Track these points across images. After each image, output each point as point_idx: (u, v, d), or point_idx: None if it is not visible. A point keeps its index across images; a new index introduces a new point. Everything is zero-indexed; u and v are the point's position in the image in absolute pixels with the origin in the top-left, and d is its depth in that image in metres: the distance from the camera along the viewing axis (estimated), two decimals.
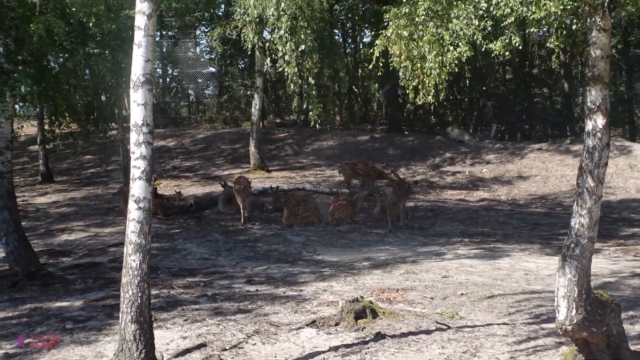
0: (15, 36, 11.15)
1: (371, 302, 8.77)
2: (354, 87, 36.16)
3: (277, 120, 35.61)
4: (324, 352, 7.43)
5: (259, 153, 24.16)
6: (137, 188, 6.77)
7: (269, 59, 22.78)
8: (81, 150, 28.50)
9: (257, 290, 10.19)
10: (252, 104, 24.89)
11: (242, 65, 37.85)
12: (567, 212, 18.34)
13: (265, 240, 14.39)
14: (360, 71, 36.82)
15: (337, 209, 16.08)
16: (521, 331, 8.05)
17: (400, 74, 7.22)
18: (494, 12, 6.21)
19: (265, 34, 22.20)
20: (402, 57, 6.83)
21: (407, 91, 7.43)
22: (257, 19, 21.45)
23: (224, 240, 14.37)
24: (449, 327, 8.17)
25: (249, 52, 27.02)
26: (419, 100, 7.36)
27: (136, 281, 6.73)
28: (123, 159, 19.50)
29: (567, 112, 33.59)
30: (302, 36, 7.28)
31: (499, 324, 8.33)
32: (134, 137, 6.79)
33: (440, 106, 36.33)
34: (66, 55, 11.23)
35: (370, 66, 7.93)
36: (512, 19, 6.24)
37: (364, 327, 8.16)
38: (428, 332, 8.00)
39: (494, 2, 6.11)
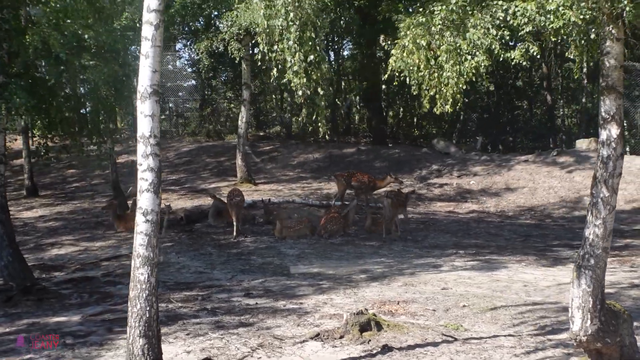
0: (8, 49, 11.04)
1: (374, 315, 8.70)
2: (337, 100, 36.15)
3: (261, 133, 35.51)
4: None
5: (246, 166, 24.07)
6: (145, 200, 6.69)
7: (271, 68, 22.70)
8: (64, 164, 28.28)
9: (256, 303, 10.11)
10: (239, 117, 24.83)
11: (225, 78, 37.71)
12: (556, 223, 18.46)
13: (259, 253, 14.29)
14: (343, 84, 36.79)
15: (329, 222, 16.03)
16: (528, 342, 8.01)
17: (411, 81, 7.18)
18: (511, 22, 6.21)
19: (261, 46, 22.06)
20: (421, 67, 6.80)
21: (424, 100, 7.40)
22: (245, 32, 21.53)
23: (217, 254, 14.27)
24: (456, 339, 8.12)
25: (237, 64, 27.11)
26: (436, 109, 7.33)
27: (144, 295, 6.65)
28: (112, 172, 19.32)
29: (550, 124, 33.74)
30: (311, 46, 7.25)
31: (505, 336, 8.29)
32: (142, 149, 6.71)
33: (422, 118, 36.52)
34: (61, 67, 11.09)
35: (385, 77, 7.89)
36: (530, 28, 6.23)
37: (370, 340, 8.10)
38: (435, 344, 7.95)
39: (510, 11, 6.11)
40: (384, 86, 33.24)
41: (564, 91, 36.18)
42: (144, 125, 6.69)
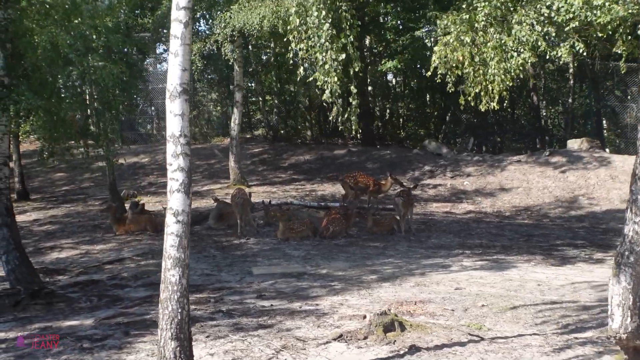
0: (13, 50, 10.88)
1: (396, 315, 8.63)
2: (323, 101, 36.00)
3: (247, 136, 35.34)
4: None
5: (239, 168, 23.93)
6: (176, 201, 6.59)
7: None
8: (52, 168, 27.99)
9: (271, 305, 10.00)
10: (232, 119, 24.70)
11: (210, 77, 37.37)
12: (554, 223, 18.50)
13: (264, 255, 14.17)
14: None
15: (331, 223, 15.94)
16: (555, 341, 7.97)
17: (451, 78, 7.10)
18: (555, 18, 6.15)
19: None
20: (466, 63, 6.73)
21: (469, 97, 7.32)
22: (238, 33, 21.39)
23: (221, 256, 14.13)
24: (482, 339, 8.06)
25: (224, 66, 27.05)
26: (482, 106, 7.27)
27: (176, 297, 6.53)
28: (109, 175, 19.10)
29: (538, 124, 33.79)
30: (344, 45, 7.15)
31: (530, 335, 8.25)
32: (171, 148, 6.62)
33: (409, 120, 36.52)
34: (70, 68, 10.95)
35: (429, 73, 7.82)
36: (576, 23, 6.17)
37: (395, 341, 8.02)
38: (461, 344, 7.89)
39: (554, 7, 6.05)
40: (370, 87, 33.20)
41: (546, 92, 36.14)
42: (174, 124, 6.59)
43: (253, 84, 34.82)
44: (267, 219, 17.33)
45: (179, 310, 6.52)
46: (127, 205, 18.50)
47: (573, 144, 26.24)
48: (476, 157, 26.63)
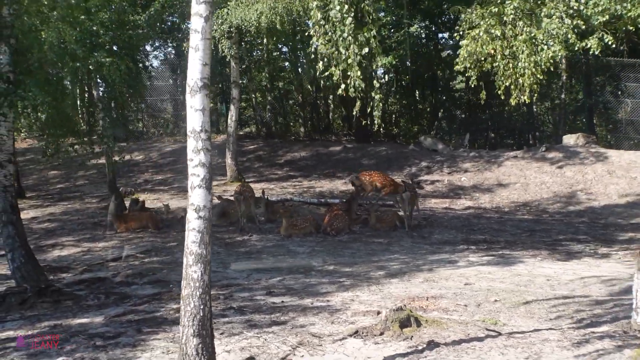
0: (15, 47, 10.77)
1: (411, 311, 8.59)
2: (321, 97, 35.95)
3: (240, 133, 35.21)
4: None
5: (236, 165, 23.88)
6: (197, 197, 6.54)
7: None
8: (46, 166, 27.84)
9: (282, 302, 9.95)
10: (228, 115, 24.67)
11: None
12: (554, 218, 18.53)
13: (269, 251, 14.12)
14: (322, 82, 36.52)
15: (334, 219, 15.91)
16: (572, 336, 7.94)
17: (474, 72, 7.07)
18: (584, 11, 6.12)
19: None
20: (498, 57, 6.69)
21: (498, 91, 7.28)
22: (235, 30, 21.33)
23: (225, 253, 14.08)
24: (499, 334, 8.03)
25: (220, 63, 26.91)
26: (512, 100, 7.23)
27: (198, 293, 6.48)
28: (109, 173, 18.99)
29: (531, 120, 33.84)
30: (367, 39, 7.09)
31: (546, 329, 8.22)
32: (192, 144, 6.55)
33: (401, 116, 36.47)
34: (77, 64, 10.86)
35: (456, 67, 7.79)
36: (606, 17, 6.14)
37: (412, 336, 7.98)
38: (479, 339, 7.85)
39: (583, 0, 6.02)
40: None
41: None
42: (195, 119, 6.53)
43: (245, 81, 34.71)
44: (269, 215, 17.29)
45: (201, 307, 6.47)
46: (127, 203, 18.44)
47: (569, 139, 26.25)
48: (472, 153, 26.67)
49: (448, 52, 34.54)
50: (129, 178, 25.33)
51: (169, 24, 31.74)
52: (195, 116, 6.51)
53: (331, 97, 35.54)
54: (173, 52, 34.99)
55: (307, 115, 35.97)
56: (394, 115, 36.69)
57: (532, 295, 9.98)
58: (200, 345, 6.45)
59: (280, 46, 32.87)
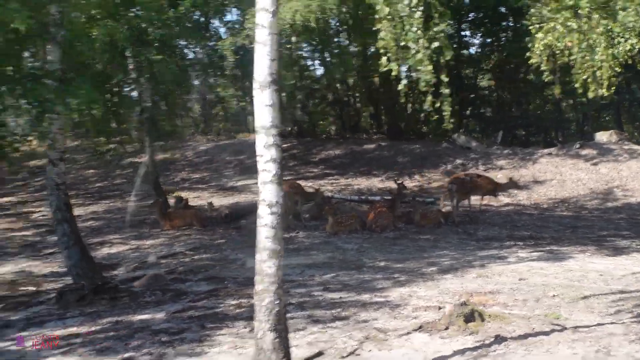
0: (64, 45, 10.86)
1: (474, 306, 8.63)
2: (350, 95, 35.90)
3: None
4: (449, 356, 7.29)
5: None
6: (268, 192, 6.56)
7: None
8: (83, 165, 28.08)
9: (340, 297, 10.00)
10: None
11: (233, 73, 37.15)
12: (593, 215, 18.48)
13: (318, 248, 14.19)
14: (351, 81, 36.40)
15: (379, 216, 15.96)
16: (637, 329, 7.94)
17: (546, 65, 7.08)
18: None
19: None
20: (575, 50, 6.71)
21: (576, 85, 7.30)
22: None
23: None
24: (565, 328, 8.05)
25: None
26: (590, 93, 7.25)
27: (273, 288, 6.51)
28: (153, 172, 19.11)
29: (559, 117, 33.74)
30: (436, 32, 7.10)
31: (610, 324, 8.24)
32: (262, 140, 6.55)
33: (430, 114, 36.31)
34: (127, 62, 10.95)
35: (531, 61, 7.81)
36: None
37: (478, 331, 8.01)
38: (545, 333, 7.88)
39: None
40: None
41: (562, 85, 35.81)
42: (264, 115, 6.52)
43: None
44: (315, 212, 17.37)
45: (277, 302, 6.51)
46: (171, 201, 18.61)
47: (601, 136, 26.15)
48: (506, 150, 26.58)
49: (476, 50, 34.63)
50: (166, 177, 25.43)
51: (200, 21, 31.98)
52: (264, 112, 6.52)
53: (358, 95, 35.58)
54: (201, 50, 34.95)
55: (337, 114, 35.95)
56: (423, 114, 36.58)
57: (589, 290, 9.98)
58: (276, 340, 6.50)
59: (305, 45, 32.56)
